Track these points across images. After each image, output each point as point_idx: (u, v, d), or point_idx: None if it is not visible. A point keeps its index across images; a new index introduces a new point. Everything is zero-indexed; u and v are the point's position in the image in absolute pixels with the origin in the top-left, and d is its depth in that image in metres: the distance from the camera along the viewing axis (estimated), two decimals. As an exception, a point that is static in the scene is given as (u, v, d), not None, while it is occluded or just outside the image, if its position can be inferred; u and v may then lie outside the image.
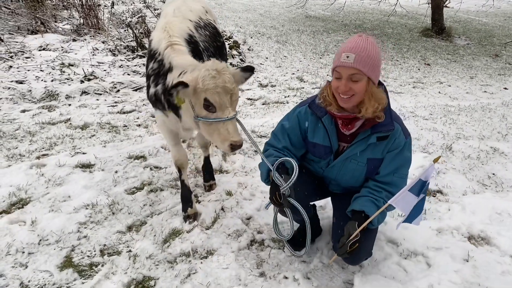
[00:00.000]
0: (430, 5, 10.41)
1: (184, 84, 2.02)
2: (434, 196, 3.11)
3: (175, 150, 2.77)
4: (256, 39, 8.34)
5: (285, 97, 5.34)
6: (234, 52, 6.64)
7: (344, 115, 1.96)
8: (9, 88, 4.70)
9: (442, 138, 4.13)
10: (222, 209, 2.86)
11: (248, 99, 5.23)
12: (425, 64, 7.79)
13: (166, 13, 2.92)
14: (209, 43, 2.92)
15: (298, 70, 6.65)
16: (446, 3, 13.36)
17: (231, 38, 7.26)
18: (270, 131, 4.08)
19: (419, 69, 7.36)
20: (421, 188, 1.85)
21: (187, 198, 2.79)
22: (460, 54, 8.92)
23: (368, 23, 11.37)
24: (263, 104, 5.08)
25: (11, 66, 5.30)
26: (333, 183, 2.25)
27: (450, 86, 6.45)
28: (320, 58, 7.57)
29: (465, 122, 4.66)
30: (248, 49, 7.45)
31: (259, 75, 6.22)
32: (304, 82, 6.06)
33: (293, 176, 1.95)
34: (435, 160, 1.80)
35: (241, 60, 6.63)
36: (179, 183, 3.01)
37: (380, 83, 1.96)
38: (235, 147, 2.09)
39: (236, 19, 9.94)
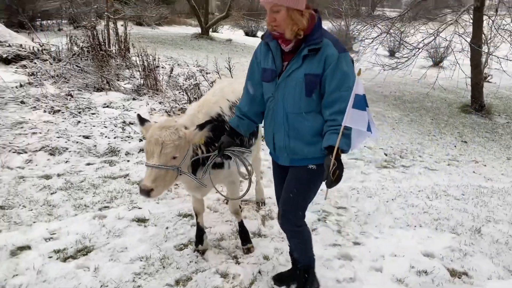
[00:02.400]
0: (469, 85, 10.67)
1: (140, 120, 2.67)
2: (460, 278, 3.28)
3: (193, 199, 3.31)
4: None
5: (322, 166, 5.68)
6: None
7: (282, 35, 2.30)
8: (77, 142, 5.32)
9: (471, 220, 4.30)
10: (259, 272, 3.15)
11: (288, 166, 5.60)
12: (462, 141, 7.98)
13: (210, 91, 3.43)
14: None
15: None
16: (487, 79, 13.58)
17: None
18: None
19: (455, 146, 7.56)
20: (362, 102, 2.08)
21: (200, 237, 3.34)
22: (499, 133, 9.05)
23: (407, 95, 11.74)
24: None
25: (79, 121, 5.98)
26: (282, 125, 2.45)
27: (485, 166, 6.60)
28: (359, 128, 7.93)
29: (497, 205, 4.80)
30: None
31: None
32: (342, 152, 6.40)
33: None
34: (358, 73, 2.07)
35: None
36: (221, 243, 3.40)
37: (315, 11, 2.36)
38: (140, 189, 2.44)
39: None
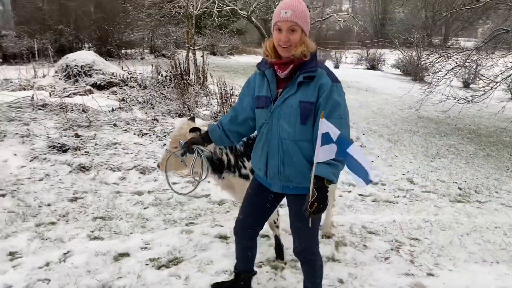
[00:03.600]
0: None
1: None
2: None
3: None
4: (369, 136, 8.93)
5: (395, 197, 5.74)
6: (348, 148, 7.26)
7: (280, 61, 2.42)
8: (164, 162, 5.83)
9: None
10: (335, 293, 3.32)
11: (359, 194, 5.72)
12: (544, 178, 7.60)
13: None
14: None
15: (408, 171, 7.01)
16: None
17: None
18: (380, 228, 4.54)
19: (536, 183, 7.22)
20: (328, 139, 2.16)
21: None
22: None
23: (483, 128, 11.34)
24: (373, 201, 5.53)
25: (164, 144, 6.53)
26: (276, 152, 2.51)
27: None
28: (431, 161, 7.84)
29: None
30: (361, 145, 8.05)
31: (371, 172, 6.70)
32: (414, 184, 6.39)
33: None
34: (322, 116, 2.14)
35: (354, 156, 7.21)
36: (298, 264, 3.61)
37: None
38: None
39: (351, 115, 10.67)
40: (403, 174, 6.84)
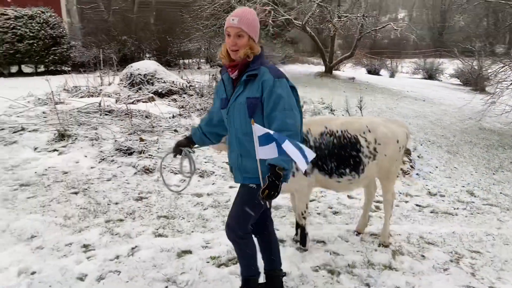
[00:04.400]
0: None
1: None
2: None
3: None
4: (426, 147, 8.72)
5: (454, 208, 5.58)
6: (405, 158, 7.15)
7: (228, 64, 2.69)
8: (221, 167, 6.05)
9: None
10: (393, 301, 3.32)
11: (417, 205, 5.63)
12: None
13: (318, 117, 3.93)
14: (330, 148, 3.76)
15: (468, 184, 6.79)
16: None
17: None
18: (439, 239, 4.46)
19: None
20: (265, 139, 2.36)
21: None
22: None
23: (552, 141, 10.70)
24: (431, 212, 5.42)
25: (221, 151, 6.76)
26: (235, 146, 2.80)
27: None
28: (494, 174, 7.53)
29: None
30: (418, 156, 7.88)
31: (428, 183, 6.57)
32: (475, 196, 6.19)
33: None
34: (252, 123, 2.36)
35: (411, 166, 7.10)
36: (354, 270, 3.66)
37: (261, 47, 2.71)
38: None
39: (407, 124, 10.48)
40: (463, 186, 6.63)
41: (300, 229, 4.02)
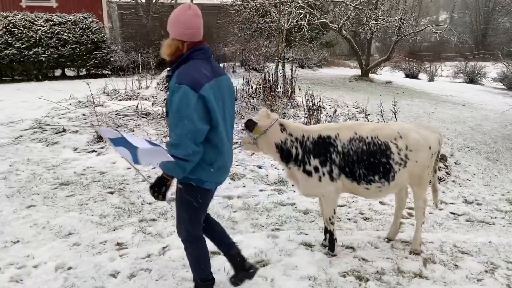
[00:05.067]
0: None
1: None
2: None
3: None
4: (464, 153, 8.46)
5: (491, 217, 5.39)
6: (441, 165, 6.97)
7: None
8: (252, 171, 6.10)
9: None
10: (422, 310, 3.26)
11: (451, 213, 5.47)
12: None
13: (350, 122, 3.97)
14: (358, 154, 3.72)
15: (508, 192, 6.54)
16: None
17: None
18: (474, 248, 4.32)
19: None
20: (119, 142, 2.50)
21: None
22: None
23: None
24: (467, 220, 5.25)
25: (253, 153, 6.82)
26: None
27: None
28: (536, 182, 7.22)
29: None
30: (455, 163, 7.66)
31: (465, 190, 6.38)
32: (515, 206, 5.96)
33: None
34: (97, 133, 2.30)
35: (447, 173, 6.91)
36: (383, 277, 3.61)
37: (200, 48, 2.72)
38: None
39: (444, 130, 10.20)
40: (502, 195, 6.39)
41: (329, 234, 4.00)
